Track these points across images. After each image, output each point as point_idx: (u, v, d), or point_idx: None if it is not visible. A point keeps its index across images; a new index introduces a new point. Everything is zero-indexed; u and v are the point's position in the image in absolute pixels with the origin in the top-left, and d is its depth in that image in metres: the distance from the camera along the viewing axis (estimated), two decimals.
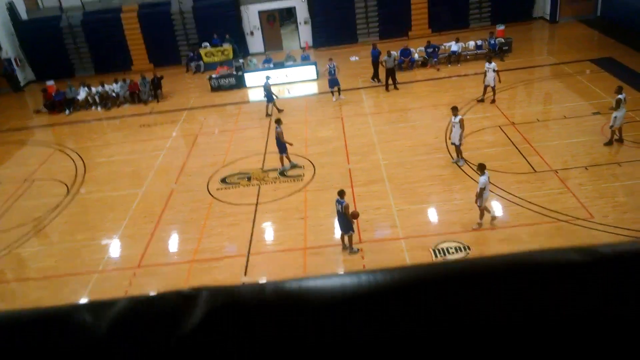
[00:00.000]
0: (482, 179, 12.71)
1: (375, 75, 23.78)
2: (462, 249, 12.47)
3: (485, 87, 20.12)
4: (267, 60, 26.20)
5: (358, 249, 12.83)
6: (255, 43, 31.14)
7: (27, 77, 31.25)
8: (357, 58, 27.68)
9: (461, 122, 15.74)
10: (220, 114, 23.45)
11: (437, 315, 0.63)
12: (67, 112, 25.21)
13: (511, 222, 13.31)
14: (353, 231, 12.72)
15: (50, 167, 19.81)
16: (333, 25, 29.90)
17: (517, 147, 16.55)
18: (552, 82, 22.08)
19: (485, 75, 20.00)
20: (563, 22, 29.30)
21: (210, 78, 25.77)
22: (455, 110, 16.06)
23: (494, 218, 13.25)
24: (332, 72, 21.84)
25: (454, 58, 25.05)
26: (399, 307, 0.63)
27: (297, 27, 31.55)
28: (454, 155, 16.28)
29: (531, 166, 15.45)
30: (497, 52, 24.53)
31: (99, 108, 25.27)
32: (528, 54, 25.56)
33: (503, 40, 25.38)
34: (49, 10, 31.03)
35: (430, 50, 25.10)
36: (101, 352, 0.61)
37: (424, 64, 25.32)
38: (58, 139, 22.74)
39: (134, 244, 14.40)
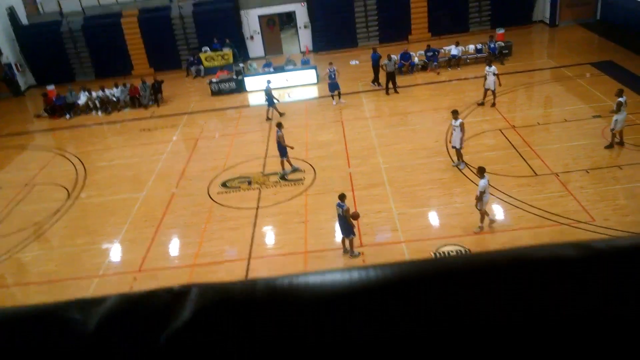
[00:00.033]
0: (482, 183, 12.71)
1: (376, 79, 23.81)
2: (463, 252, 12.44)
3: (486, 90, 20.13)
4: (267, 65, 26.23)
5: (359, 253, 12.81)
6: (256, 47, 31.20)
7: (28, 82, 31.30)
8: (357, 62, 27.71)
9: (462, 125, 15.74)
10: (220, 118, 23.48)
11: (426, 313, 0.62)
12: (67, 116, 25.24)
13: (512, 226, 13.30)
14: (354, 235, 12.70)
15: (50, 172, 19.82)
16: (333, 30, 29.94)
17: (517, 151, 16.54)
18: (553, 85, 22.09)
19: (485, 79, 20.01)
20: (563, 25, 29.34)
21: (211, 82, 25.81)
22: (455, 113, 16.06)
23: (492, 221, 13.23)
24: (333, 76, 21.86)
25: (454, 62, 25.08)
26: (390, 303, 0.62)
27: (297, 31, 31.62)
28: (455, 158, 16.28)
29: (532, 169, 15.44)
30: (497, 56, 24.54)
31: (100, 112, 25.30)
32: (528, 57, 25.58)
33: (503, 44, 25.41)
34: (49, 15, 31.10)
35: (430, 54, 25.12)
36: (89, 350, 0.60)
37: (424, 67, 25.34)
38: (58, 143, 22.77)
39: (134, 248, 14.39)
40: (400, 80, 23.47)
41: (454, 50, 25.05)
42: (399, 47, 26.80)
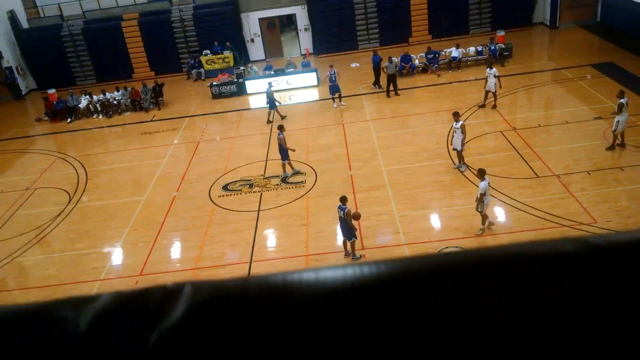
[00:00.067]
0: (482, 185, 12.69)
1: (377, 82, 23.83)
2: None
3: (487, 92, 20.14)
4: (268, 67, 26.25)
5: (361, 256, 12.80)
6: (256, 50, 31.24)
7: (29, 86, 31.37)
8: (357, 64, 27.75)
9: (462, 127, 15.74)
10: (221, 121, 23.49)
11: (423, 311, 0.61)
12: (68, 120, 25.27)
13: (514, 228, 13.28)
14: (356, 237, 12.70)
15: (51, 175, 19.84)
16: (333, 32, 29.97)
17: (519, 153, 16.53)
18: (553, 87, 22.09)
19: (486, 81, 20.02)
20: (563, 27, 29.35)
21: (211, 85, 25.83)
22: (456, 115, 16.06)
23: (491, 224, 13.21)
24: (333, 78, 21.87)
25: (455, 64, 25.09)
26: (386, 301, 0.61)
27: (297, 34, 31.65)
28: (456, 160, 16.27)
29: (533, 171, 15.43)
30: (497, 58, 24.55)
31: (101, 116, 25.32)
32: (529, 59, 25.59)
33: (503, 46, 25.42)
34: (50, 19, 31.17)
35: (430, 56, 25.15)
36: (81, 349, 0.60)
37: (424, 70, 25.35)
38: (59, 147, 22.79)
39: (136, 252, 14.39)
40: (401, 82, 23.49)
41: (454, 52, 25.07)
42: (399, 50, 26.82)
